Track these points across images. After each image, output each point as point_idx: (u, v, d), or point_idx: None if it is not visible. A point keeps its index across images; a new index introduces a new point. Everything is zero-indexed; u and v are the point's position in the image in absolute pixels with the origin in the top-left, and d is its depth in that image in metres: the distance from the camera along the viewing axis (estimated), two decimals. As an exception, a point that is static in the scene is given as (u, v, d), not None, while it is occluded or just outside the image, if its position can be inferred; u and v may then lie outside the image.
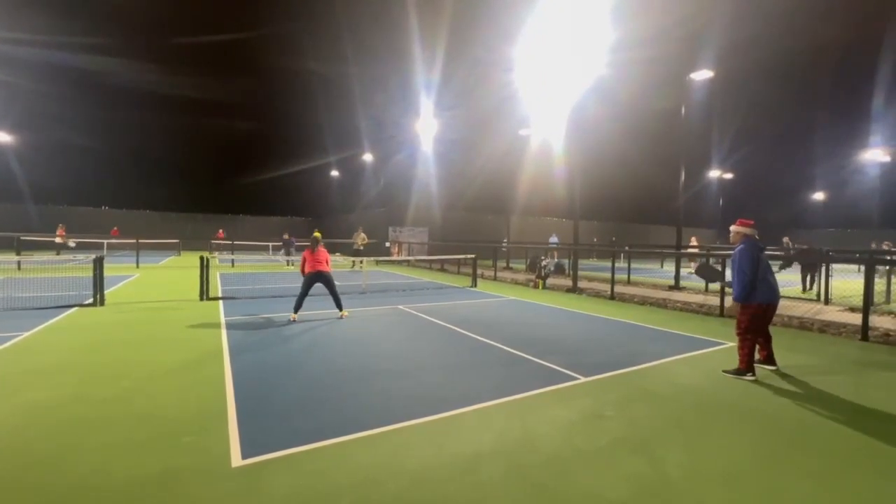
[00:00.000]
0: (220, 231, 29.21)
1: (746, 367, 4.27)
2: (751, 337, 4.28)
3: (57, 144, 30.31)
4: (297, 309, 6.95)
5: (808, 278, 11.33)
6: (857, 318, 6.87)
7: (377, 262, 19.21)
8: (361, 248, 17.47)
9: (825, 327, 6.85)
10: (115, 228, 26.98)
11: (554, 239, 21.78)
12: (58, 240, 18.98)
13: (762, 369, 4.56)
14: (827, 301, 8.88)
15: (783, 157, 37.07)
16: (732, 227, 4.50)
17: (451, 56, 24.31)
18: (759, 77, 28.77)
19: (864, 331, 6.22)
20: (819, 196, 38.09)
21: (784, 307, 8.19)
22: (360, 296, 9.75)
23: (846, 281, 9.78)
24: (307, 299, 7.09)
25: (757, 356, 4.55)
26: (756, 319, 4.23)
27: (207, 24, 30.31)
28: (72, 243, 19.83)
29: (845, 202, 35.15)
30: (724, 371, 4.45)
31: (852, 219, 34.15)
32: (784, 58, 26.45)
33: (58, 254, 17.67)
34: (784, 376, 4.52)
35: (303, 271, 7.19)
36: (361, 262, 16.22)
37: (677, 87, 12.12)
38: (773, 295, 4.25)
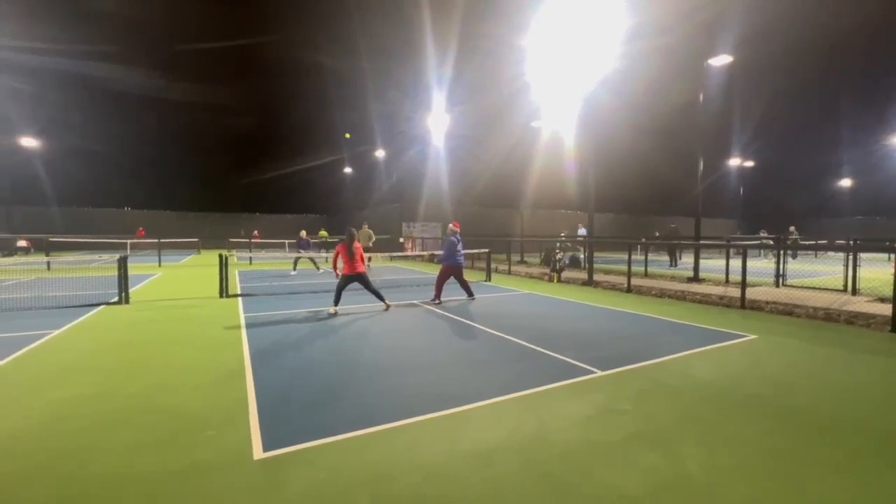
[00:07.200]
0: (256, 232, 30.03)
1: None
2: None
3: (81, 149, 31.28)
4: (336, 302, 7.18)
5: (675, 256, 16.94)
6: (886, 309, 6.63)
7: (391, 258, 19.32)
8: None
9: (853, 318, 6.63)
10: (141, 229, 27.81)
11: (582, 230, 20.67)
12: (23, 243, 21.21)
13: None
14: (854, 291, 8.59)
15: (807, 144, 35.78)
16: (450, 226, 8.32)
17: (463, 49, 24.14)
18: (781, 62, 27.76)
19: (895, 322, 6.00)
20: (846, 183, 36.71)
21: (808, 298, 7.96)
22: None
23: (875, 270, 9.44)
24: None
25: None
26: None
27: (220, 26, 30.72)
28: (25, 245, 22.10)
29: (873, 189, 33.79)
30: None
31: (881, 206, 32.82)
32: (807, 43, 25.45)
33: (13, 254, 19.94)
34: (808, 369, 4.40)
35: (335, 265, 7.40)
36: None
37: (695, 74, 11.78)
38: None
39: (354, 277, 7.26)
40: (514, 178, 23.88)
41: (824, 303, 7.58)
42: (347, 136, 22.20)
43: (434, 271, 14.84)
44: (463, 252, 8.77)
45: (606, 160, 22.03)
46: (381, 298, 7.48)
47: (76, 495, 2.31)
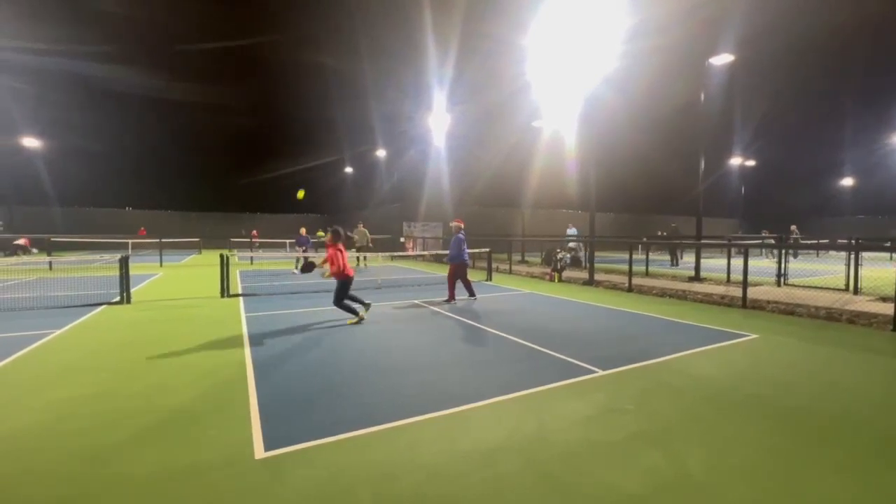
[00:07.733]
0: (255, 231, 30.31)
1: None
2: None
3: (82, 150, 31.35)
4: (355, 312, 6.52)
5: (676, 256, 17.38)
6: (888, 309, 6.61)
7: (392, 258, 19.33)
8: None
9: (854, 318, 6.61)
10: (143, 228, 28.01)
11: (572, 230, 19.62)
12: (21, 241, 21.76)
13: None
14: (856, 291, 8.57)
15: (809, 143, 35.72)
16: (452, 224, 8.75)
17: (464, 49, 24.13)
18: (783, 61, 27.69)
19: (896, 321, 5.99)
20: (847, 182, 36.62)
21: (810, 297, 7.94)
22: (376, 291, 9.83)
23: (877, 269, 9.42)
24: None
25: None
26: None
27: (220, 26, 30.74)
28: (34, 250, 22.85)
29: (875, 188, 33.74)
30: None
31: (883, 205, 32.75)
32: (809, 42, 25.38)
33: (15, 254, 20.89)
34: (809, 368, 4.39)
35: (343, 272, 6.49)
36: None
37: (697, 73, 11.76)
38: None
39: (350, 281, 6.62)
40: (515, 177, 23.84)
41: (826, 302, 7.56)
42: (301, 195, 22.35)
43: (435, 271, 14.84)
44: (467, 250, 8.76)
45: (607, 160, 21.99)
46: (358, 304, 6.73)
47: (76, 495, 2.31)
